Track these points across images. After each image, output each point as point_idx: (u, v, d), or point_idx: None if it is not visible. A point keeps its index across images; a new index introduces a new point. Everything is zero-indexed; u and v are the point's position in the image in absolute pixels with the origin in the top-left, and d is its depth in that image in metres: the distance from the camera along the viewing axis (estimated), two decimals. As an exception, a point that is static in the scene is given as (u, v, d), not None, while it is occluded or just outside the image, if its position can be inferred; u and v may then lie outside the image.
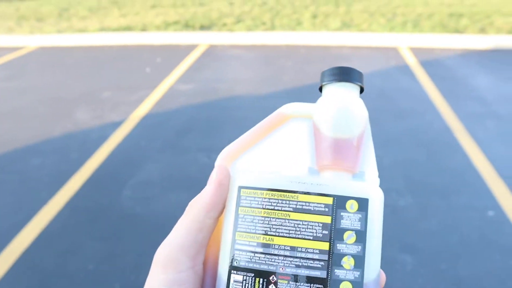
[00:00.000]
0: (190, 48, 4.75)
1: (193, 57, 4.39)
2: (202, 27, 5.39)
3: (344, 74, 0.36)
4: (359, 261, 0.31)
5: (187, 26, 5.48)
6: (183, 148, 2.61)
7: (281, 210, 0.33)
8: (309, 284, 0.31)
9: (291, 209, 0.33)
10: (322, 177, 0.34)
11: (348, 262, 0.31)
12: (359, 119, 0.35)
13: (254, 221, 0.33)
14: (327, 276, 0.31)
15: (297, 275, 0.31)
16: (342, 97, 0.35)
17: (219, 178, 0.34)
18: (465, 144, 2.61)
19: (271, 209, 0.33)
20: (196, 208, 0.34)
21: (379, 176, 0.35)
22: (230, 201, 0.34)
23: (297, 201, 0.33)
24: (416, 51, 4.40)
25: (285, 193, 0.33)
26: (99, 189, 2.26)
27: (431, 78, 3.64)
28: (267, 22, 5.44)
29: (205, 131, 2.82)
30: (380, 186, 0.34)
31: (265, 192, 0.33)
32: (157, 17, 6.15)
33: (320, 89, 0.37)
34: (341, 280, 0.31)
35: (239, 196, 0.34)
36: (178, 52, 4.61)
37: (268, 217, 0.33)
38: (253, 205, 0.33)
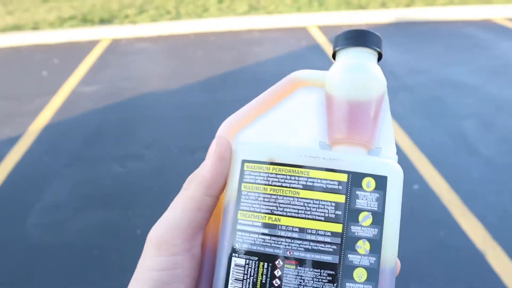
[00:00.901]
0: (91, 44, 4.37)
1: (94, 55, 4.04)
2: (102, 21, 5.00)
3: (360, 38, 0.32)
4: (376, 245, 0.28)
5: (85, 20, 5.05)
6: (94, 159, 2.37)
7: (289, 187, 0.29)
8: (319, 270, 0.28)
9: (301, 186, 0.29)
10: (339, 153, 0.30)
11: (363, 247, 0.28)
12: (377, 82, 0.31)
13: (258, 199, 0.30)
14: (339, 262, 0.28)
15: (306, 260, 0.28)
16: (358, 61, 0.32)
17: (219, 150, 0.31)
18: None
19: (278, 186, 0.29)
20: (194, 185, 0.31)
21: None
22: (232, 177, 0.31)
23: (308, 178, 0.29)
24: (324, 29, 4.44)
25: (294, 168, 0.29)
26: (-3, 221, 1.97)
27: (342, 56, 3.69)
28: (172, 11, 5.18)
29: (117, 136, 2.58)
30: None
31: (271, 167, 0.30)
32: (50, 12, 5.61)
33: (334, 56, 0.34)
34: (355, 266, 0.28)
35: (242, 171, 0.30)
36: (78, 51, 4.22)
37: (274, 194, 0.29)
38: (258, 181, 0.30)
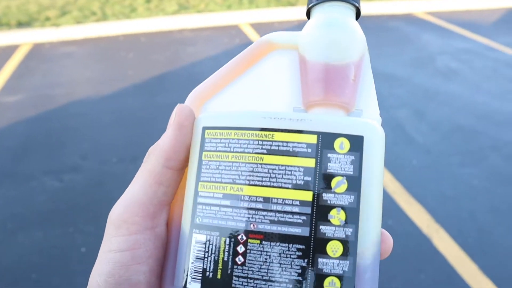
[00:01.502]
0: (9, 50, 4.05)
1: (15, 61, 3.75)
2: (20, 24, 4.65)
3: None
4: (352, 214, 0.25)
5: (0, 24, 4.67)
6: (25, 175, 2.19)
7: (252, 153, 0.27)
8: (287, 244, 0.25)
9: (265, 151, 0.27)
10: (307, 113, 0.28)
11: (337, 216, 0.25)
12: (356, 41, 0.29)
13: (220, 168, 0.27)
14: (310, 234, 0.25)
15: (271, 233, 0.26)
16: (335, 16, 0.29)
17: (178, 119, 0.29)
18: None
19: (240, 152, 0.27)
20: (154, 157, 0.28)
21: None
22: (193, 147, 0.29)
23: (272, 141, 0.27)
24: (256, 26, 4.46)
25: (257, 132, 0.27)
26: None
27: (277, 53, 3.73)
28: (97, 12, 4.94)
29: (49, 149, 2.41)
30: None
31: (233, 132, 0.28)
32: (-42, 16, 5.13)
33: (308, 16, 0.31)
34: (329, 239, 0.25)
35: (203, 139, 0.28)
36: (-5, 57, 3.90)
37: (236, 162, 0.27)
38: (219, 149, 0.28)
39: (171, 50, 3.86)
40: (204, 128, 0.29)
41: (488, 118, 2.73)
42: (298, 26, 4.49)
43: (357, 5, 0.30)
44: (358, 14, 0.31)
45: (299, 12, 4.78)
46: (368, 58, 0.30)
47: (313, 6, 0.30)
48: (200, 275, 0.26)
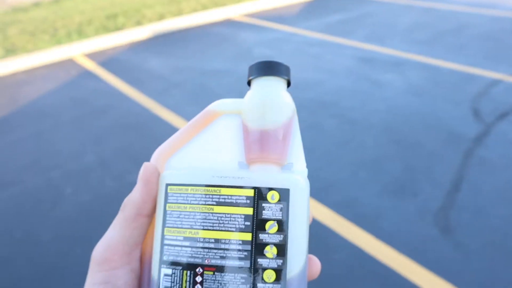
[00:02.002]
0: None
1: None
2: None
3: (270, 68, 0.36)
4: (282, 249, 0.32)
5: None
6: None
7: (205, 205, 0.33)
8: (233, 274, 0.31)
9: (214, 203, 0.33)
10: (247, 171, 0.35)
11: (270, 251, 0.32)
12: (284, 110, 0.35)
13: (180, 216, 0.33)
14: (251, 265, 0.32)
15: (222, 266, 0.32)
16: (267, 90, 0.36)
17: (145, 175, 0.35)
18: (163, 114, 3.09)
19: (196, 204, 0.33)
20: (128, 207, 0.34)
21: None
22: (159, 199, 0.35)
23: (220, 195, 0.33)
24: (90, 56, 4.65)
25: (208, 188, 0.33)
26: None
27: (114, 74, 3.99)
28: None
29: None
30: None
31: (189, 188, 0.34)
32: None
33: (249, 84, 0.38)
34: (265, 269, 0.32)
35: (166, 193, 0.35)
36: None
37: (193, 211, 0.33)
38: (179, 201, 0.34)
39: (6, 94, 3.87)
40: (167, 185, 0.35)
41: (296, 85, 3.39)
42: (130, 48, 4.80)
43: (287, 78, 0.37)
44: (289, 84, 0.38)
45: (128, 35, 5.09)
46: (296, 120, 0.36)
47: (252, 78, 0.37)
48: None
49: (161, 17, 5.82)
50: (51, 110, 3.37)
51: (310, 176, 2.23)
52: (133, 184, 2.31)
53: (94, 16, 6.35)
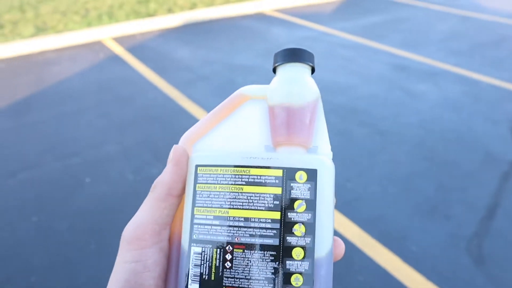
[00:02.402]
0: None
1: None
2: None
3: (295, 55, 0.38)
4: (310, 228, 0.33)
5: None
6: None
7: (234, 184, 0.34)
8: (262, 252, 0.33)
9: (244, 183, 0.34)
10: (275, 153, 0.36)
11: (299, 230, 0.33)
12: (309, 93, 0.37)
13: (210, 196, 0.35)
14: (280, 243, 0.33)
15: (251, 244, 0.33)
16: (292, 74, 0.37)
17: (175, 157, 0.36)
18: (188, 106, 3.02)
19: (225, 184, 0.34)
20: (159, 187, 0.36)
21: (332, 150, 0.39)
22: (189, 180, 0.36)
23: (249, 175, 0.34)
24: (119, 40, 4.62)
25: (238, 168, 0.34)
26: None
27: (141, 61, 3.94)
28: None
29: None
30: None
31: (219, 168, 0.35)
32: None
33: (274, 71, 0.39)
34: (293, 246, 0.32)
35: (196, 174, 0.36)
36: None
37: (222, 191, 0.34)
38: (209, 181, 0.35)
39: (34, 72, 3.86)
40: (197, 166, 0.36)
41: (327, 88, 3.29)
42: (160, 35, 4.75)
43: (311, 64, 0.38)
44: (313, 70, 0.39)
45: (158, 22, 5.04)
46: (321, 105, 0.37)
47: (278, 65, 0.38)
48: (198, 278, 0.34)
49: (193, 5, 5.75)
50: (75, 93, 3.34)
51: (337, 186, 2.13)
52: (152, 177, 2.25)
53: (126, 0, 6.32)
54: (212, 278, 0.33)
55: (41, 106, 3.16)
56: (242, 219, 0.33)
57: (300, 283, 0.32)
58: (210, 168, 0.35)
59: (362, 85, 3.35)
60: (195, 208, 0.35)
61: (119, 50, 4.29)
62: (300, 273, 0.32)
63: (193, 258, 0.34)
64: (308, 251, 0.32)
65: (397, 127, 2.72)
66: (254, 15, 5.54)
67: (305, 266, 0.32)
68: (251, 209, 0.33)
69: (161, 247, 0.35)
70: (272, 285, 0.32)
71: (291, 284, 0.32)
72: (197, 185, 0.35)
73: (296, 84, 0.36)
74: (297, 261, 0.32)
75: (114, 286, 0.33)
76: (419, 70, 3.62)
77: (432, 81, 3.39)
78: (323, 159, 0.34)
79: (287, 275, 0.32)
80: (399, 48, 4.18)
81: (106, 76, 3.64)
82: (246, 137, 0.37)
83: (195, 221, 0.35)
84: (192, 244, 0.34)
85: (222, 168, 0.35)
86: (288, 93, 0.36)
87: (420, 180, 2.20)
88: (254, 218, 0.33)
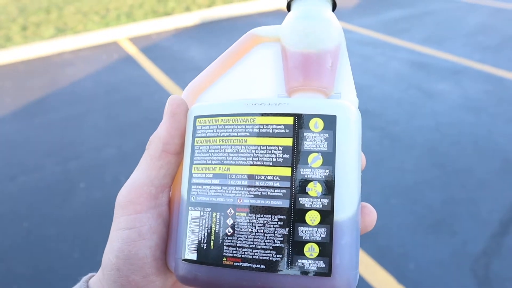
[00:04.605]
0: None
1: None
2: None
3: None
4: (328, 186, 0.27)
5: None
6: None
7: (236, 136, 0.29)
8: (270, 215, 0.28)
9: (248, 134, 0.29)
10: (286, 98, 0.31)
11: (314, 189, 0.27)
12: (329, 31, 0.31)
13: (209, 151, 0.30)
14: (290, 205, 0.27)
15: (256, 206, 0.28)
16: (310, 8, 0.31)
17: (171, 108, 0.31)
18: (192, 109, 2.95)
19: (227, 136, 0.29)
20: (153, 143, 0.31)
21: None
22: (187, 135, 0.31)
23: (254, 124, 0.29)
24: (134, 40, 4.61)
25: (241, 117, 0.29)
26: None
27: (153, 61, 3.91)
28: (-31, 47, 4.80)
29: None
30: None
31: (220, 118, 0.30)
32: None
33: (288, 8, 0.34)
34: (307, 209, 0.27)
35: (194, 127, 0.31)
36: None
37: (223, 145, 0.29)
38: (208, 134, 0.30)
39: (49, 74, 3.90)
40: (196, 117, 0.31)
41: (337, 89, 3.13)
42: (175, 35, 4.72)
43: None
44: (334, 6, 0.33)
45: (176, 21, 5.01)
46: (345, 46, 0.32)
47: (291, 0, 0.33)
48: (196, 246, 0.29)
49: (211, 3, 5.69)
50: (86, 95, 3.34)
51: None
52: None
53: (147, -1, 6.34)
54: (212, 247, 0.29)
55: (51, 108, 3.17)
56: (246, 176, 0.28)
57: (315, 254, 0.27)
58: (209, 119, 0.30)
59: (376, 85, 3.18)
60: (193, 166, 0.30)
61: (133, 50, 4.27)
62: (316, 242, 0.27)
63: (191, 223, 0.29)
64: (326, 215, 0.27)
65: (409, 130, 2.55)
66: (273, 12, 5.42)
67: (321, 233, 0.27)
68: (256, 165, 0.28)
69: (159, 212, 0.31)
70: (280, 256, 0.27)
71: (304, 255, 0.27)
72: (195, 139, 0.31)
73: (314, 20, 0.31)
74: (311, 227, 0.27)
75: (107, 259, 0.30)
76: (440, 68, 3.41)
77: (453, 80, 3.18)
78: (344, 103, 0.28)
79: (300, 244, 0.27)
80: (421, 44, 3.96)
81: (117, 78, 3.63)
82: (258, 86, 0.32)
83: (193, 180, 0.30)
84: (189, 207, 0.30)
85: (223, 118, 0.30)
86: (304, 31, 0.30)
87: (427, 191, 2.03)
88: (260, 175, 0.28)
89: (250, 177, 0.28)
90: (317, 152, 0.28)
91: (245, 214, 0.28)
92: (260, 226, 0.28)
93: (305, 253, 0.27)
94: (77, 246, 1.83)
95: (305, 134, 0.28)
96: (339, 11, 5.20)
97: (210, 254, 0.28)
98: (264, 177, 0.28)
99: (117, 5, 6.15)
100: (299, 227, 0.27)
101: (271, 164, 0.28)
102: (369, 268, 1.63)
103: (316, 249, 0.27)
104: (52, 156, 2.53)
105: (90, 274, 0.34)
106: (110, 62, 4.02)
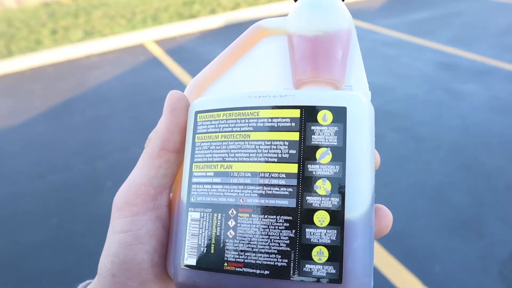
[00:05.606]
0: None
1: None
2: None
3: None
4: (338, 184, 0.25)
5: None
6: None
7: (239, 131, 0.27)
8: (275, 216, 0.26)
9: (251, 128, 0.27)
10: (292, 90, 0.29)
11: (323, 187, 0.25)
12: (339, 18, 0.29)
13: (211, 148, 0.28)
14: (297, 205, 0.25)
15: (259, 206, 0.26)
16: None
17: (170, 103, 0.30)
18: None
19: (229, 132, 0.28)
20: (152, 140, 0.29)
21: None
22: (188, 131, 0.30)
23: (258, 118, 0.27)
24: (160, 42, 4.68)
25: (244, 111, 0.27)
26: None
27: (178, 63, 3.96)
28: (2, 50, 4.97)
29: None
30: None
31: (222, 113, 0.28)
32: None
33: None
34: (315, 209, 0.25)
35: (195, 123, 0.29)
36: None
37: (225, 141, 0.28)
38: (210, 130, 0.28)
39: (77, 76, 4.00)
40: (196, 113, 0.29)
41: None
42: (200, 37, 4.77)
43: None
44: None
45: (201, 23, 5.06)
46: (355, 36, 0.30)
47: None
48: (196, 250, 0.27)
49: (236, 5, 5.73)
50: (112, 96, 3.41)
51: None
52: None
53: (172, 2, 6.42)
54: (212, 251, 0.26)
55: (79, 109, 3.26)
56: (249, 174, 0.26)
57: (324, 259, 0.25)
58: (211, 113, 0.28)
59: (401, 87, 3.14)
60: (193, 164, 0.28)
61: (158, 52, 4.34)
62: (325, 245, 0.25)
63: (190, 226, 0.27)
64: (336, 215, 0.25)
65: (435, 132, 2.51)
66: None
67: (331, 235, 0.25)
68: (260, 162, 0.26)
69: (158, 214, 0.29)
70: (286, 260, 0.25)
71: (312, 259, 0.25)
72: (196, 135, 0.29)
73: (322, 7, 0.29)
74: (320, 228, 0.25)
75: (103, 264, 0.28)
76: (467, 69, 3.34)
77: (481, 81, 3.11)
78: (355, 94, 0.26)
79: (307, 248, 0.25)
80: (448, 45, 3.89)
81: (143, 79, 3.69)
82: (264, 81, 0.31)
83: (193, 180, 0.28)
84: (189, 208, 0.28)
85: (225, 112, 0.28)
86: (312, 19, 0.29)
87: (453, 192, 2.00)
88: (264, 172, 0.26)
89: (254, 174, 0.26)
90: (326, 146, 0.26)
91: (248, 215, 0.26)
92: (264, 228, 0.26)
93: (313, 257, 0.25)
94: (104, 243, 1.87)
95: (312, 127, 0.26)
96: (363, 12, 5.16)
97: (210, 258, 0.27)
98: (269, 175, 0.26)
99: (143, 8, 6.26)
100: (306, 229, 0.25)
101: (276, 160, 0.26)
102: (393, 269, 1.61)
103: (325, 253, 0.25)
104: (80, 156, 2.59)
105: (87, 281, 0.32)
106: (136, 64, 4.10)
